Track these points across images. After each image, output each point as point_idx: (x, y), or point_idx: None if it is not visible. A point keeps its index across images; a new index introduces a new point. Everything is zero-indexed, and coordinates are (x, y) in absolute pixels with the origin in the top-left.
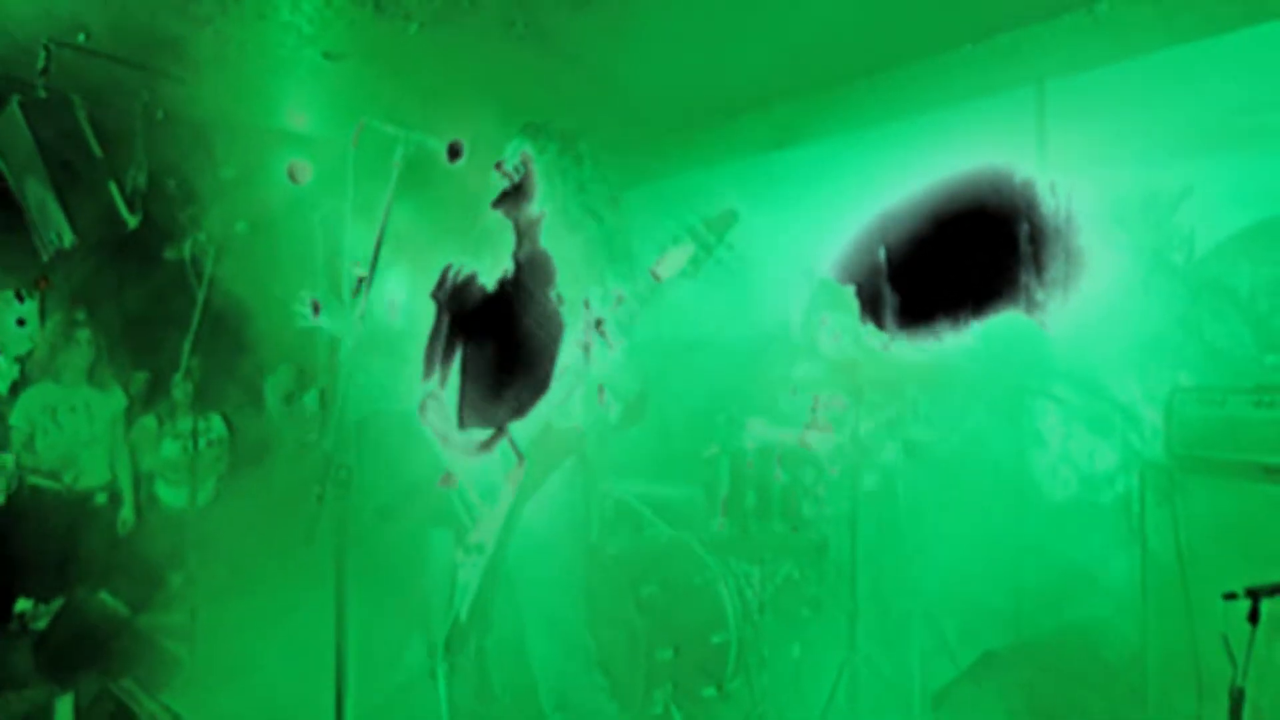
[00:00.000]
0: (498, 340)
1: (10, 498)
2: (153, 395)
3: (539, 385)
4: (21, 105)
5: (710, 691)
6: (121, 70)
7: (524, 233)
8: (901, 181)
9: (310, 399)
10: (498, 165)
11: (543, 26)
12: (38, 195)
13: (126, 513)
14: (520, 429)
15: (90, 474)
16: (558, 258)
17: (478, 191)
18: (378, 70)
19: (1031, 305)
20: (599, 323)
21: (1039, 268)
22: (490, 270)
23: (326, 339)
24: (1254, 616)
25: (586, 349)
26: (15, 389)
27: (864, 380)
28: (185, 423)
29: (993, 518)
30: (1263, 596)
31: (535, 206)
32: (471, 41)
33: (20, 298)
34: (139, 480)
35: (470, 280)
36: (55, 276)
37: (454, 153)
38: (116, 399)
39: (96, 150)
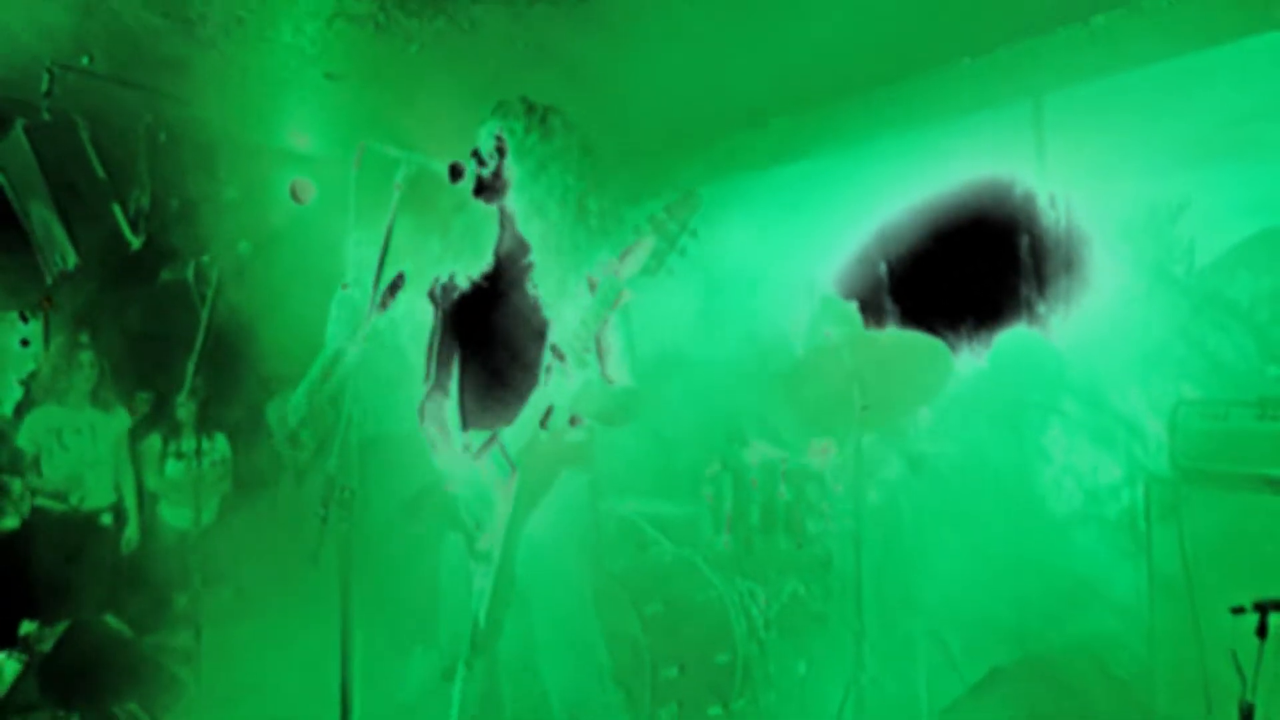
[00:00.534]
0: (486, 341)
1: (19, 524)
2: (156, 416)
3: (526, 388)
4: (26, 128)
5: (716, 710)
6: (125, 92)
7: (505, 222)
8: (901, 195)
9: (294, 406)
10: (474, 153)
11: (543, 46)
12: (42, 217)
13: (131, 533)
14: (510, 437)
15: (95, 495)
16: (533, 247)
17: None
18: (379, 91)
19: (1033, 318)
20: (554, 347)
21: (1040, 281)
22: (473, 266)
23: (331, 359)
24: (1262, 630)
25: (545, 376)
26: (19, 410)
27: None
28: (189, 442)
29: (997, 532)
30: (1271, 610)
31: (511, 193)
32: (472, 61)
33: (24, 319)
34: (144, 500)
35: (455, 278)
36: (59, 298)
37: (456, 174)
38: (120, 420)
39: (100, 172)
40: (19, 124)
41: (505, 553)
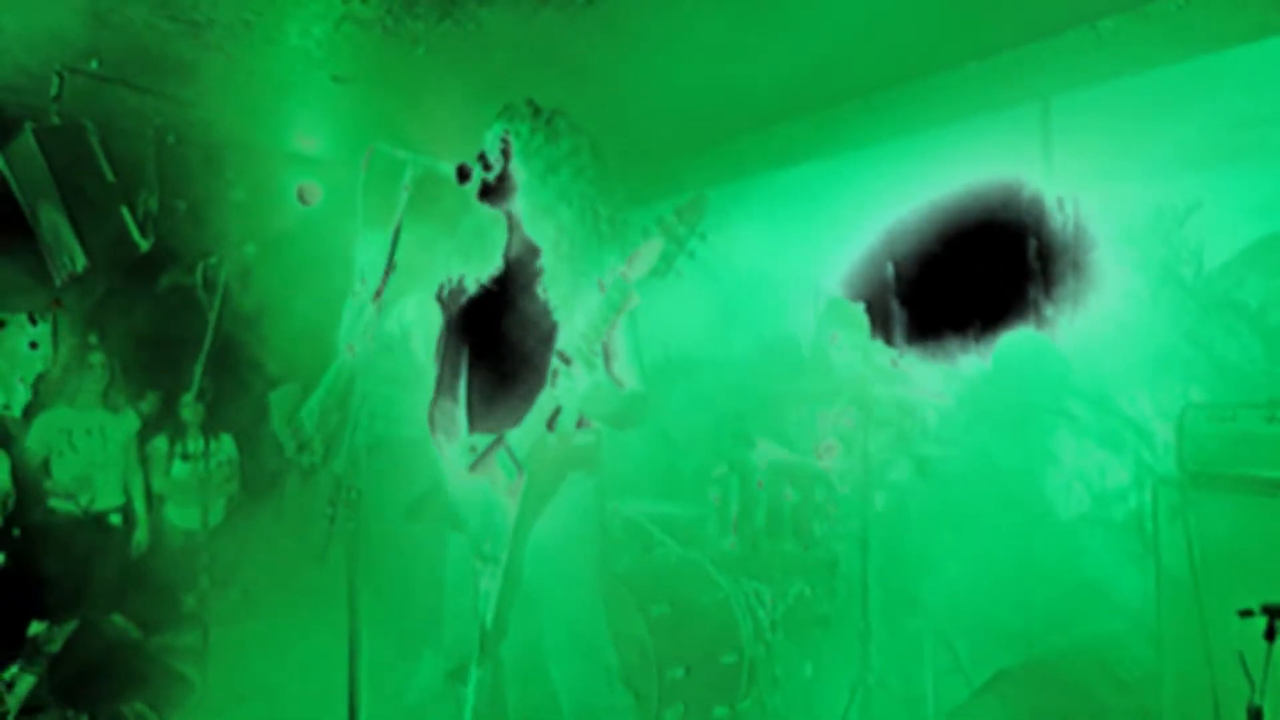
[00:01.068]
0: (494, 344)
1: (30, 519)
2: (165, 417)
3: (534, 391)
4: (35, 131)
5: (722, 711)
6: (133, 96)
7: (513, 226)
8: (909, 198)
9: (308, 414)
10: (479, 155)
11: (550, 48)
12: (51, 220)
13: (140, 534)
14: (517, 439)
15: (105, 496)
16: (543, 251)
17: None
18: (386, 93)
19: (1040, 321)
20: (560, 353)
21: (1047, 283)
22: (481, 269)
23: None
24: (1270, 634)
25: (553, 381)
26: (29, 412)
27: (873, 397)
28: (195, 443)
29: (1004, 535)
30: (1279, 614)
31: (517, 196)
32: (478, 64)
33: (34, 321)
34: (152, 502)
35: (464, 282)
36: (68, 300)
37: (463, 175)
38: (130, 421)
39: (109, 175)
40: (28, 127)
41: (512, 555)
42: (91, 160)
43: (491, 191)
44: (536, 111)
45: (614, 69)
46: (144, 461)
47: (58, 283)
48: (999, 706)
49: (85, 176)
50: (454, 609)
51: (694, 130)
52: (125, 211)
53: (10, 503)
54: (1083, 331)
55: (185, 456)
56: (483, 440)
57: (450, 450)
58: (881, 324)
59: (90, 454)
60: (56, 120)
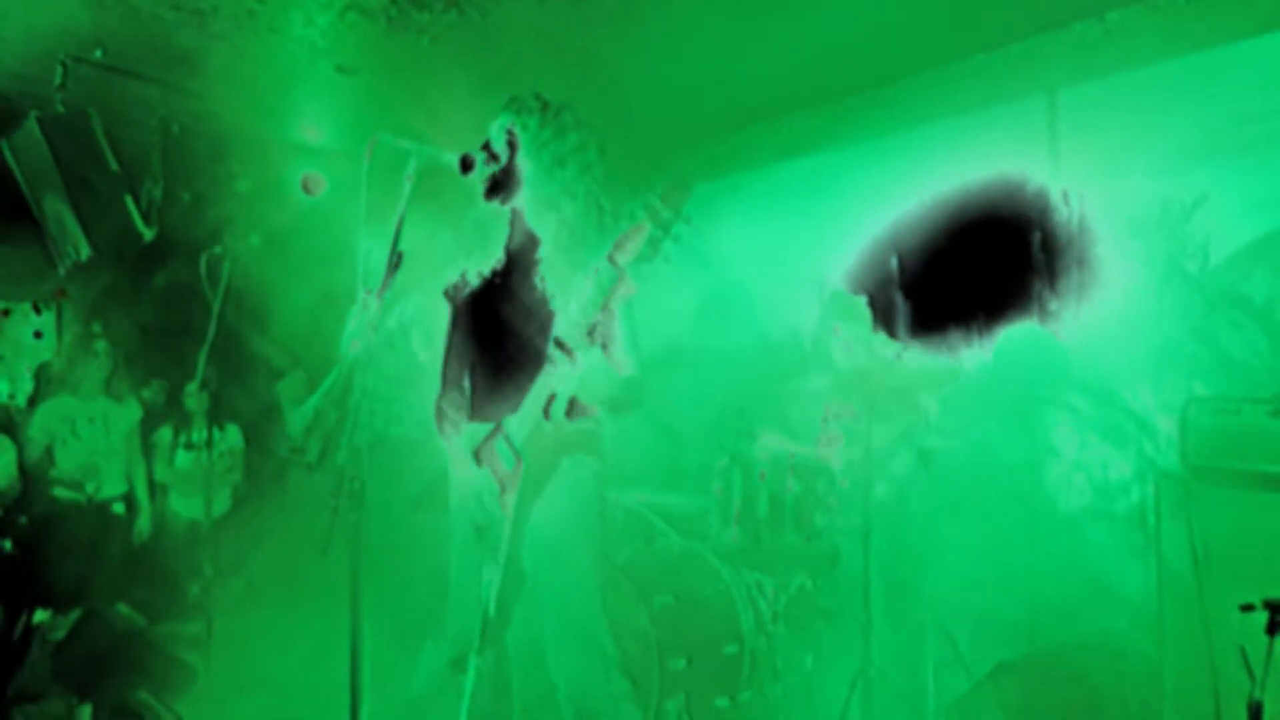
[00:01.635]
0: (495, 335)
1: (35, 508)
2: (170, 407)
3: (532, 379)
4: (39, 121)
5: (723, 702)
6: (137, 85)
7: (516, 218)
8: (913, 191)
9: (299, 418)
10: (484, 146)
11: (554, 40)
12: (55, 209)
13: (143, 523)
14: (515, 427)
15: (109, 485)
16: (543, 242)
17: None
18: (390, 84)
19: (1045, 314)
20: (556, 340)
21: (1052, 276)
22: (484, 263)
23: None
24: (1272, 628)
25: (551, 363)
26: (33, 401)
27: (876, 390)
28: (199, 433)
29: (1006, 528)
30: None
31: (522, 188)
32: (483, 55)
33: (38, 310)
34: (155, 491)
35: (466, 275)
36: (72, 289)
37: (466, 166)
38: (132, 410)
39: (113, 164)
40: (33, 116)
41: (512, 543)
42: (96, 150)
43: (497, 185)
44: (544, 105)
45: (619, 61)
46: (147, 451)
47: (62, 272)
48: (1000, 699)
49: (89, 166)
50: (457, 598)
51: (699, 122)
52: (129, 201)
53: (15, 490)
54: (1087, 325)
55: (189, 446)
56: (483, 429)
57: (457, 441)
58: (886, 317)
59: (93, 443)
60: (61, 109)
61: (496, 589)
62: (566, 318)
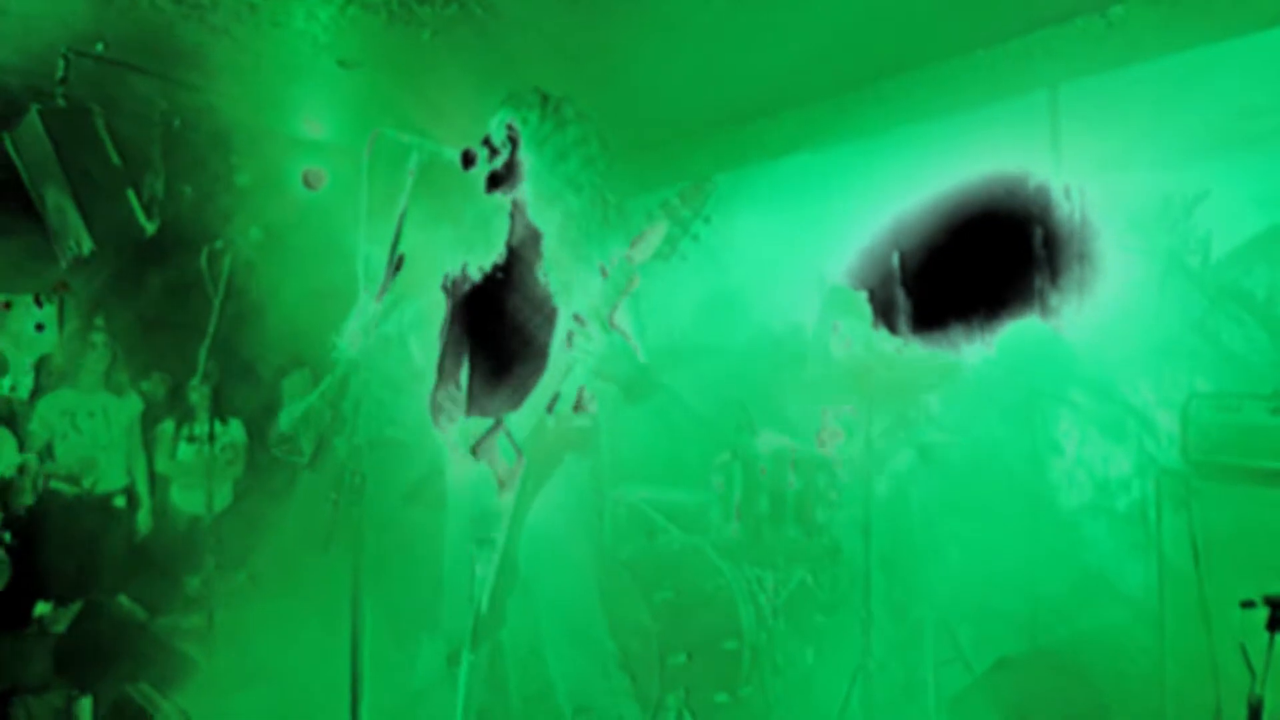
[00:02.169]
0: (495, 330)
1: (34, 501)
2: (170, 400)
3: (534, 374)
4: (41, 114)
5: (723, 697)
6: (139, 79)
7: (517, 213)
8: (915, 186)
9: (286, 415)
10: (485, 141)
11: (555, 34)
12: (57, 203)
13: (144, 516)
14: (516, 423)
15: (109, 478)
16: (544, 236)
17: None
18: (392, 78)
19: (1046, 310)
20: (576, 316)
21: (1053, 272)
22: (485, 257)
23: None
24: (1272, 624)
25: (569, 341)
26: (34, 395)
27: (877, 385)
28: (201, 426)
29: (1007, 523)
30: None
31: (523, 182)
32: (485, 49)
33: (39, 304)
34: (155, 484)
35: (466, 270)
36: (74, 283)
37: (468, 161)
38: (133, 404)
39: (115, 158)
40: (34, 110)
41: (509, 539)
42: (97, 143)
43: (499, 179)
44: (545, 98)
45: (621, 55)
46: (147, 444)
47: (64, 266)
48: (1000, 694)
49: (91, 160)
50: (451, 594)
51: (701, 116)
52: (131, 195)
53: (40, 483)
54: (1088, 320)
55: (191, 439)
56: (481, 424)
57: (452, 434)
58: (887, 312)
59: (94, 436)
60: (62, 103)
61: (490, 584)
62: (588, 296)
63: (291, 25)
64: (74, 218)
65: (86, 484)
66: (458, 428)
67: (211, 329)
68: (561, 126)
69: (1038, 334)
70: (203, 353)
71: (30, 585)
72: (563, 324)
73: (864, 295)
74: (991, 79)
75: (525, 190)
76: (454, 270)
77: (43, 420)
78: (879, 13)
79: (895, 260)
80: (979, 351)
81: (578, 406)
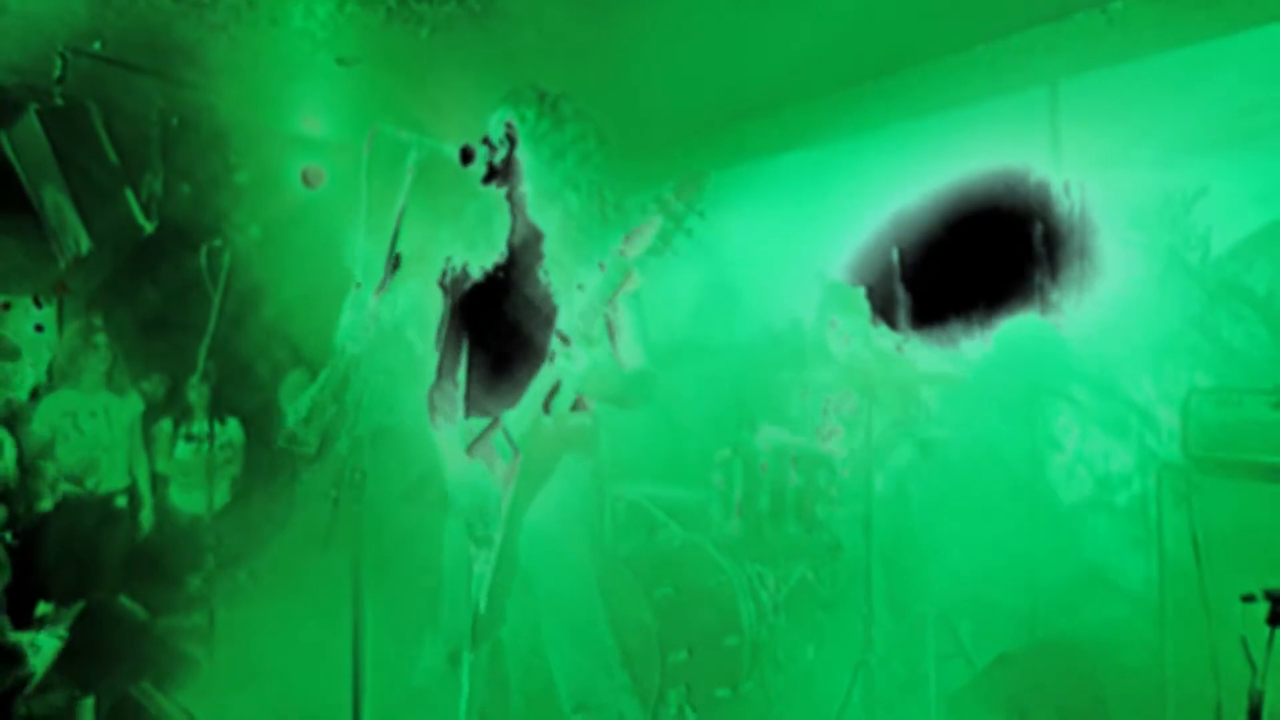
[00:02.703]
0: (495, 329)
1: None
2: (170, 400)
3: (532, 373)
4: (39, 113)
5: (724, 692)
6: (137, 77)
7: (516, 211)
8: (915, 183)
9: (294, 410)
10: (484, 139)
11: (554, 31)
12: (55, 202)
13: (146, 516)
14: (513, 420)
15: (111, 478)
16: (545, 236)
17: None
18: (390, 75)
19: (1046, 306)
20: (559, 333)
21: (1053, 268)
22: (485, 255)
23: (341, 345)
24: (1273, 619)
25: (551, 361)
26: (34, 395)
27: (876, 382)
28: (199, 426)
29: (1007, 519)
30: None
31: (522, 181)
32: (483, 46)
33: (38, 304)
34: (157, 484)
35: (467, 269)
36: (73, 283)
37: (467, 157)
38: (134, 404)
39: (113, 157)
40: (32, 109)
41: (507, 537)
42: (95, 142)
43: (496, 176)
44: (542, 96)
45: (619, 51)
46: (149, 443)
47: (62, 265)
48: (1001, 689)
49: (89, 158)
50: (450, 593)
51: (700, 113)
52: (129, 194)
53: (59, 487)
54: (1088, 316)
55: (189, 438)
56: (481, 423)
57: (448, 433)
58: (886, 309)
59: (96, 436)
60: (60, 102)
61: (488, 584)
62: (571, 310)
63: (289, 23)
64: (72, 217)
65: (90, 484)
66: (456, 428)
67: (211, 327)
68: (559, 124)
69: (1037, 330)
70: (203, 351)
71: (31, 585)
72: (562, 321)
73: (862, 292)
74: (992, 75)
75: (524, 188)
76: (453, 268)
77: (44, 420)
78: (879, 8)
79: (895, 256)
80: (979, 347)
81: (576, 405)
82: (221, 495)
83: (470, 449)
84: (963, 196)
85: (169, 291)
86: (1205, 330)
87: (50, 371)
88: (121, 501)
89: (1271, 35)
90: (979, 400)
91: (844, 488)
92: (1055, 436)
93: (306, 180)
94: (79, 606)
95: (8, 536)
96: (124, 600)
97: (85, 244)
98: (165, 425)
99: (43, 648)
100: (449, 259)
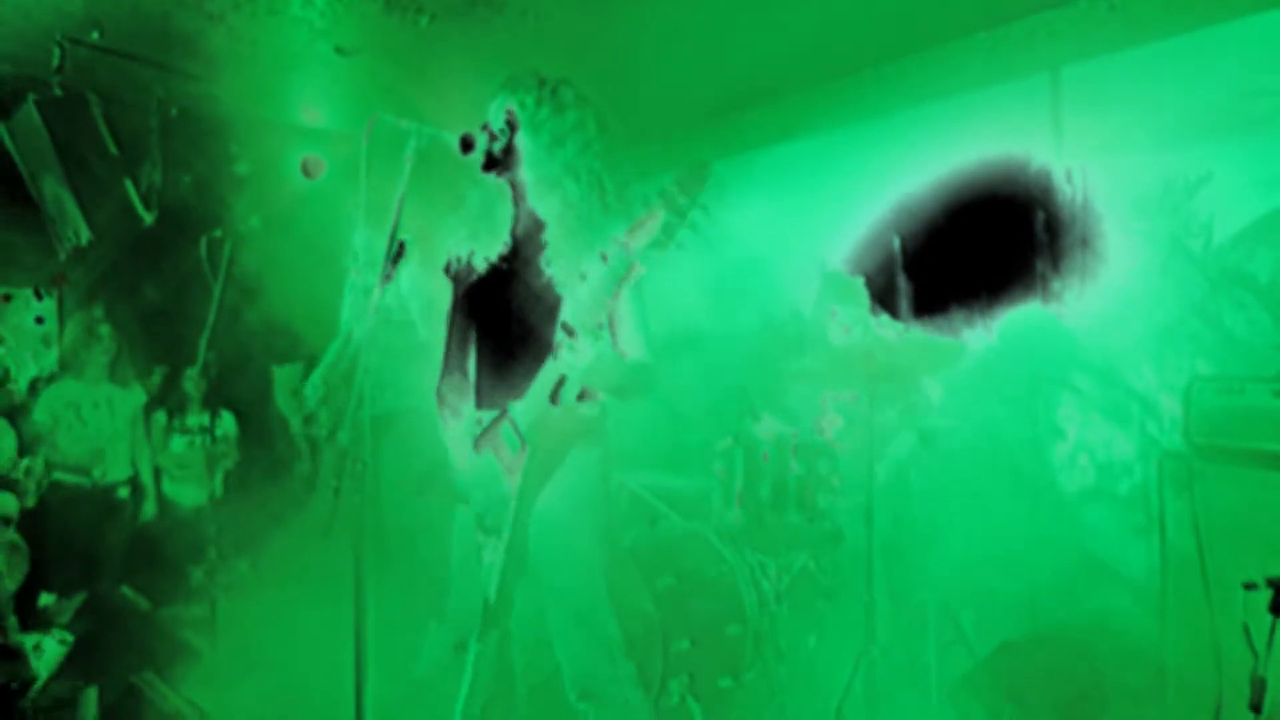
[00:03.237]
0: (501, 320)
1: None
2: (164, 392)
3: (539, 364)
4: (37, 104)
5: (727, 682)
6: (136, 67)
7: (519, 200)
8: (915, 171)
9: (311, 388)
10: (484, 127)
11: (553, 18)
12: (54, 193)
13: (149, 506)
14: (521, 412)
15: (114, 469)
16: (548, 224)
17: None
18: (389, 64)
19: (1047, 294)
20: (565, 325)
21: (1055, 256)
22: (489, 245)
23: (343, 334)
24: (1275, 606)
25: (557, 350)
26: (35, 386)
27: (877, 371)
28: (194, 418)
29: (1009, 508)
30: None
31: (522, 168)
32: (482, 34)
33: (39, 296)
34: (159, 475)
35: (472, 261)
36: (73, 274)
37: (466, 146)
38: (136, 395)
39: (112, 148)
40: (30, 99)
41: (516, 527)
42: (94, 132)
43: (497, 164)
44: (541, 82)
45: (620, 40)
46: (150, 435)
47: (62, 256)
48: (1002, 678)
49: (88, 149)
50: (459, 583)
51: (701, 102)
52: (129, 184)
53: (45, 484)
54: (1090, 304)
55: (183, 431)
56: (489, 415)
57: (457, 425)
58: (888, 298)
59: (98, 427)
60: (59, 92)
61: (498, 574)
62: (575, 303)
63: (288, 12)
64: (71, 207)
65: (96, 475)
66: (465, 420)
67: (211, 318)
68: (559, 110)
69: (1039, 318)
70: (203, 342)
71: (34, 577)
72: (566, 313)
73: (861, 281)
74: (993, 61)
75: (524, 176)
76: (458, 259)
77: (47, 411)
78: None
79: (896, 245)
80: (980, 336)
81: (583, 395)
82: (216, 488)
83: (478, 441)
84: (964, 184)
85: (169, 283)
86: (1207, 318)
87: (55, 362)
88: (124, 493)
89: (1273, 21)
90: (980, 389)
91: (845, 477)
92: (1057, 425)
93: (306, 170)
94: (81, 597)
95: (11, 531)
96: (126, 591)
97: (85, 234)
98: (160, 418)
99: (46, 651)
100: (452, 250)
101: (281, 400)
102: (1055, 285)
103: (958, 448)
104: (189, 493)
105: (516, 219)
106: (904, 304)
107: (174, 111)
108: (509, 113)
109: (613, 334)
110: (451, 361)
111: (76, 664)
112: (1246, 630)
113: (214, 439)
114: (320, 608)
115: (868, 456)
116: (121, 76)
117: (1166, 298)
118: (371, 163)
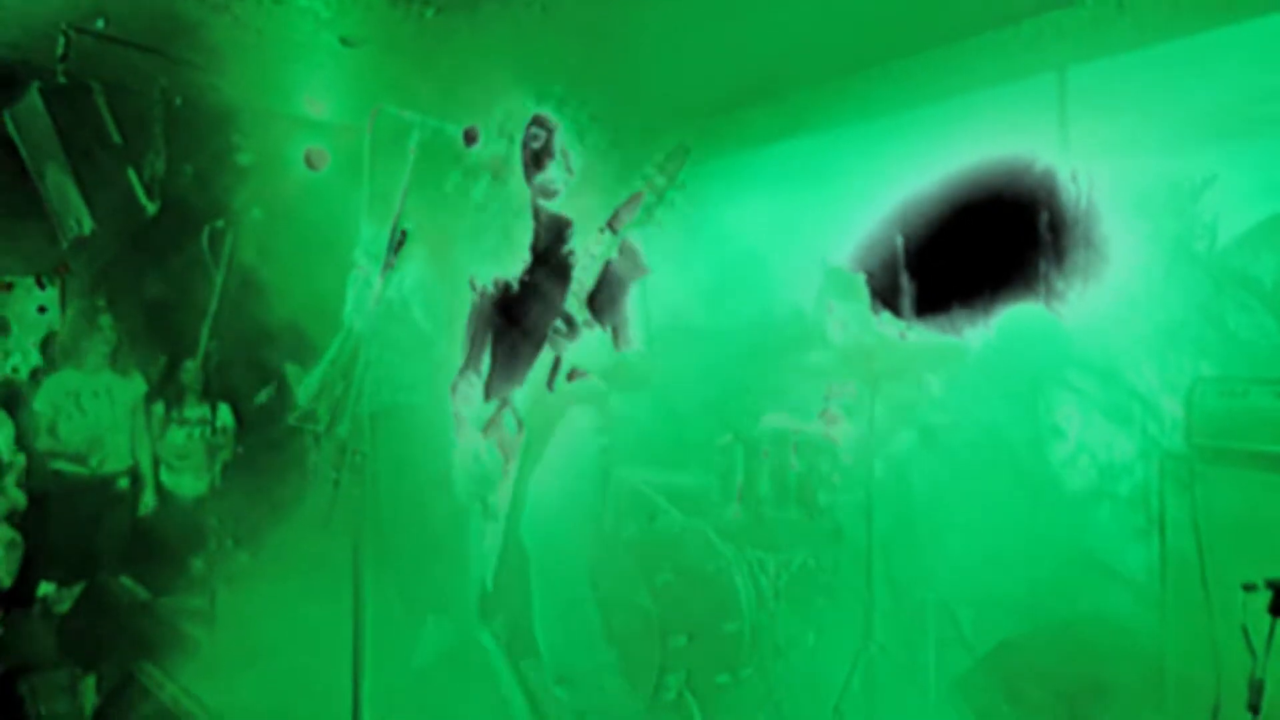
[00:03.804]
0: (515, 324)
1: (36, 482)
2: (163, 382)
3: (537, 353)
4: (41, 92)
5: (724, 678)
6: (140, 57)
7: (541, 213)
8: (920, 169)
9: (305, 389)
10: (528, 131)
11: (558, 12)
12: (57, 182)
13: (149, 496)
14: (521, 398)
15: (113, 459)
16: (573, 223)
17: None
18: (394, 55)
19: (1051, 294)
20: (567, 316)
21: (1059, 256)
22: (510, 267)
23: (345, 326)
24: (1275, 608)
25: (550, 341)
26: (36, 375)
27: (878, 367)
28: (191, 409)
29: (1009, 507)
30: None
31: (563, 168)
32: (487, 26)
33: (41, 285)
34: (159, 465)
35: (496, 282)
36: (76, 263)
37: (470, 138)
38: (137, 385)
39: (116, 137)
40: (34, 87)
41: (512, 513)
42: (98, 121)
43: (528, 170)
44: (570, 96)
45: (625, 35)
46: (150, 425)
47: (65, 245)
48: (1001, 677)
49: (92, 138)
50: (457, 567)
51: (705, 98)
52: (132, 174)
53: (28, 479)
54: (1093, 305)
55: (181, 422)
56: (488, 410)
57: (466, 415)
58: (890, 295)
59: (98, 416)
60: (63, 80)
61: (494, 560)
62: (572, 290)
63: (293, 2)
64: (75, 196)
65: (94, 463)
66: (474, 409)
67: (213, 309)
68: (587, 111)
69: (1042, 318)
70: (204, 332)
71: (34, 566)
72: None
73: (861, 278)
74: (1000, 61)
75: (554, 181)
76: (483, 288)
77: (47, 400)
78: None
79: (899, 243)
80: (982, 335)
81: (573, 375)
82: (215, 479)
83: (485, 430)
84: (968, 183)
85: (172, 272)
86: (1211, 319)
87: (54, 351)
88: (123, 483)
89: None
90: (982, 387)
91: (845, 474)
92: (1058, 425)
93: (310, 162)
94: (81, 586)
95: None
96: (125, 580)
97: (87, 223)
98: (157, 408)
99: None
100: (478, 278)
101: (293, 387)
102: (1059, 285)
103: (958, 446)
104: (185, 483)
105: (537, 235)
106: (906, 302)
107: (178, 101)
108: (543, 118)
109: (615, 331)
110: (469, 362)
111: (76, 652)
112: (1245, 632)
113: (214, 430)
114: (319, 599)
115: (868, 454)
116: (126, 65)
117: (1170, 299)
118: (375, 154)
